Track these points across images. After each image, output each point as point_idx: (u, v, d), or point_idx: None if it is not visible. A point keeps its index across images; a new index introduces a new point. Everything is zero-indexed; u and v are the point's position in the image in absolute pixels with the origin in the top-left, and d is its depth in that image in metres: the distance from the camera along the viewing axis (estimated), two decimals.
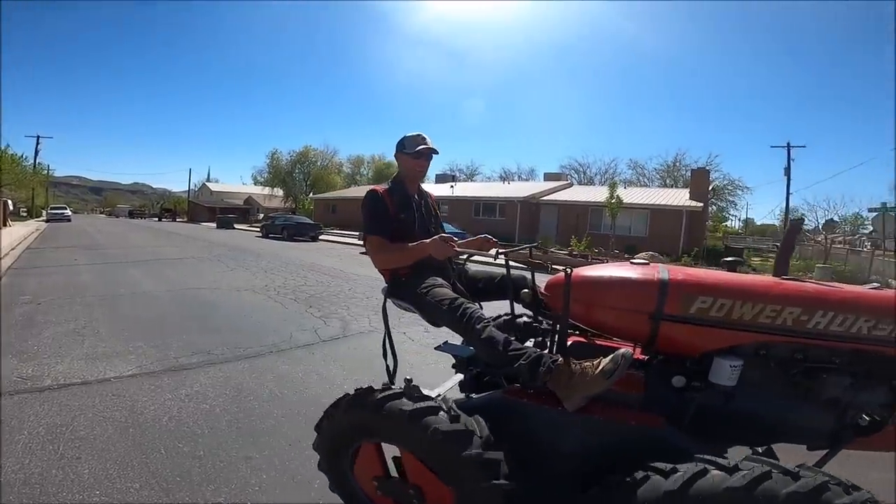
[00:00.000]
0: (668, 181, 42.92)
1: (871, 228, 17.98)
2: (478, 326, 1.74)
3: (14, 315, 5.39)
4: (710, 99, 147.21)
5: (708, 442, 1.49)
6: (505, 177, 47.96)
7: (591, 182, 46.69)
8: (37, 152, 43.14)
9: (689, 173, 31.29)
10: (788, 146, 30.59)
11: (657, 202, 22.67)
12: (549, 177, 35.89)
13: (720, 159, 57.79)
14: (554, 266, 2.52)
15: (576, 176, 49.70)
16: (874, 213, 15.16)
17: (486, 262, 2.34)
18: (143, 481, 2.29)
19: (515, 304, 2.05)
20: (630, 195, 23.69)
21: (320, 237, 23.24)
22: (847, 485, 1.20)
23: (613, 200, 19.81)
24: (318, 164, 49.35)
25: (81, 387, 3.39)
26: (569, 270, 1.65)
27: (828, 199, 68.73)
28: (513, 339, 1.75)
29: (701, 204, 21.25)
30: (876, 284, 1.82)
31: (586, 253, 15.12)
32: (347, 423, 1.80)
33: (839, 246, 18.42)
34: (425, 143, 2.19)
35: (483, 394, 1.88)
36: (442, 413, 1.58)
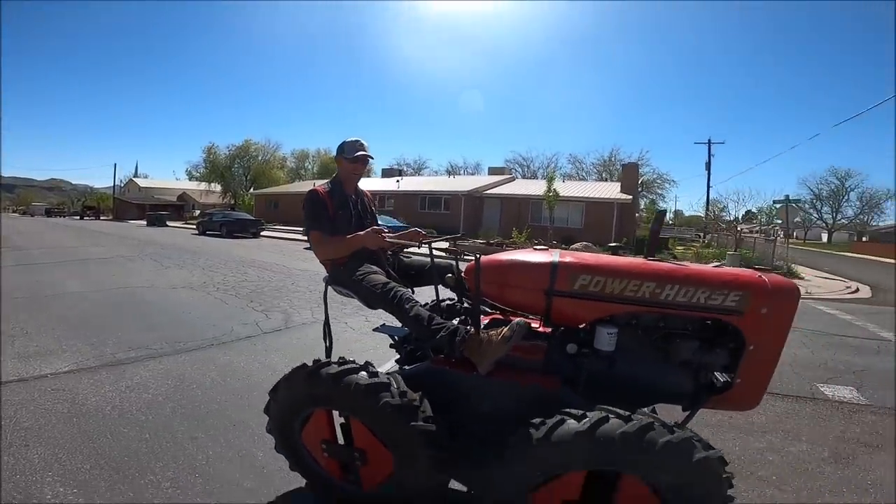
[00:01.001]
0: (604, 175, 45.26)
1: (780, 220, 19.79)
2: (406, 306, 2.05)
3: None
4: (643, 99, 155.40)
5: (599, 402, 1.65)
6: (451, 171, 48.60)
7: (534, 176, 48.25)
8: None
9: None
10: (709, 143, 33.25)
11: (591, 195, 24.01)
12: (493, 171, 36.81)
13: (650, 154, 61.51)
14: (467, 255, 2.91)
15: (519, 170, 51.21)
16: (779, 205, 16.71)
17: (418, 252, 2.67)
18: (92, 462, 2.45)
19: (444, 288, 2.36)
20: (567, 189, 24.91)
21: (262, 233, 22.70)
22: (671, 426, 1.51)
23: (551, 194, 20.80)
24: (260, 158, 47.70)
25: (19, 383, 3.42)
26: (478, 256, 2.00)
27: (737, 192, 75.02)
28: (436, 315, 2.05)
29: (630, 196, 22.76)
30: (717, 263, 2.25)
31: (501, 242, 16.14)
32: (304, 391, 2.01)
33: (755, 235, 20.30)
34: (363, 150, 2.50)
35: (414, 365, 2.16)
36: (393, 388, 1.84)
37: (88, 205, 55.88)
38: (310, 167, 55.09)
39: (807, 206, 48.59)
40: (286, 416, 2.12)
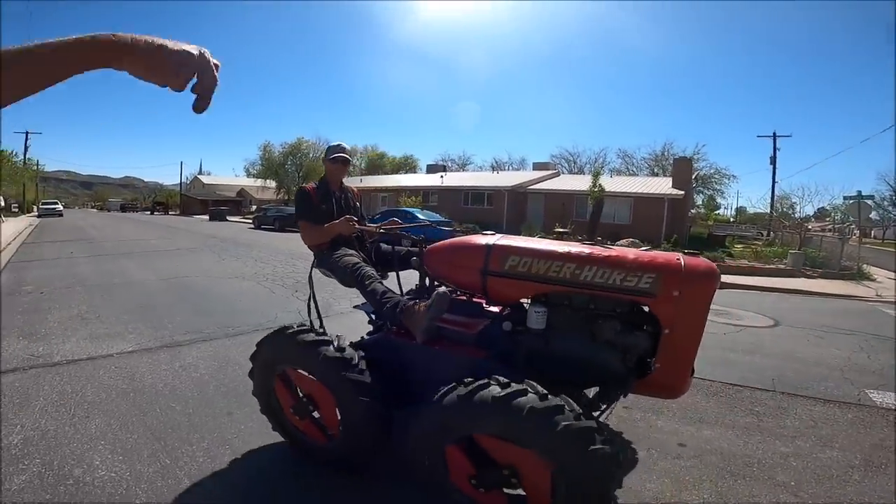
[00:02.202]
0: (656, 170, 43.35)
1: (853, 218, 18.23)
2: (366, 282, 2.34)
3: (21, 303, 5.83)
4: (700, 91, 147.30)
5: (538, 378, 1.72)
6: (496, 167, 48.30)
7: (581, 171, 47.00)
8: (26, 148, 43.29)
9: None
10: (774, 136, 31.13)
11: (640, 190, 23.15)
12: (537, 166, 36.25)
13: (707, 148, 58.21)
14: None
15: (566, 165, 50.10)
16: (850, 201, 15.50)
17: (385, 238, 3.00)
18: (139, 433, 2.75)
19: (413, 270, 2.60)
20: (615, 184, 24.17)
21: None
22: (543, 393, 1.57)
23: (596, 189, 20.25)
24: (311, 156, 49.35)
25: (87, 361, 3.85)
26: (421, 238, 2.27)
27: (802, 187, 69.76)
28: (389, 291, 2.29)
29: (682, 192, 21.73)
30: (646, 247, 2.22)
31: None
32: (271, 352, 2.32)
33: (826, 234, 18.76)
34: (341, 153, 2.90)
35: (372, 335, 2.45)
36: (334, 344, 2.12)
37: (158, 201, 60.28)
38: (358, 163, 56.38)
39: (885, 202, 44.25)
40: (262, 382, 2.44)
